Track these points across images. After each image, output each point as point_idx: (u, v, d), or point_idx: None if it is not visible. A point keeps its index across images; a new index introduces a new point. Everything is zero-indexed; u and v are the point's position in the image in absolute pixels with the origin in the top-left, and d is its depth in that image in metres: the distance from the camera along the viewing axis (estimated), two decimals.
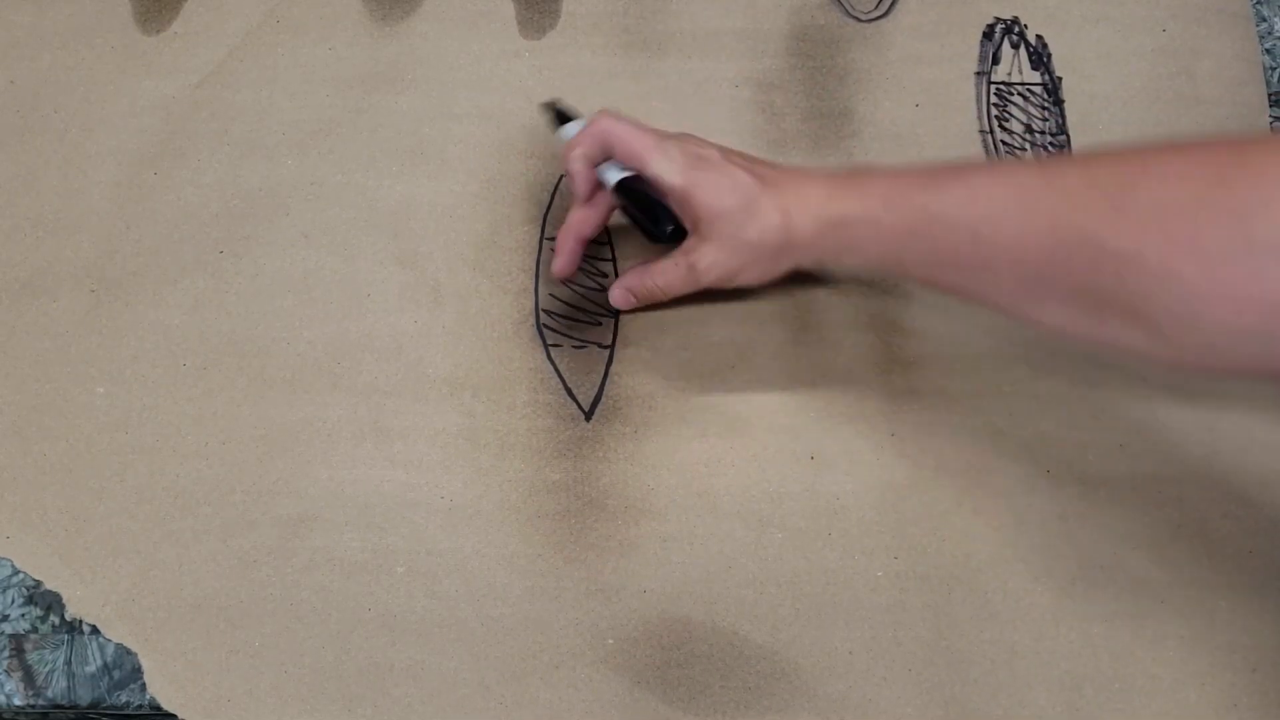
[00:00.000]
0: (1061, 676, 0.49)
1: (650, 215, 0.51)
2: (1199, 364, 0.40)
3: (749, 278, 0.52)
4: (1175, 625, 0.50)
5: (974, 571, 0.51)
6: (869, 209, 0.47)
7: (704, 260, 0.51)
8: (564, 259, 0.55)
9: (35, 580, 0.51)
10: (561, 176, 0.59)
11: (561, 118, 0.56)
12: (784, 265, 0.51)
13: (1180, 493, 0.52)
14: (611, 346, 0.55)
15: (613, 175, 0.52)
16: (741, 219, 0.49)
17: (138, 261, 0.57)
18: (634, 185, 0.52)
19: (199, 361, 0.55)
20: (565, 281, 0.57)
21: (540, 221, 0.58)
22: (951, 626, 0.50)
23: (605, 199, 0.54)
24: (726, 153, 0.51)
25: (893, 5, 0.65)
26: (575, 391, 0.54)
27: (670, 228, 0.51)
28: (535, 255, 0.58)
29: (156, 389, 0.54)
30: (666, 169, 0.50)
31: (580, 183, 0.53)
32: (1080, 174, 0.42)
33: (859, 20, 0.64)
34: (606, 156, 0.52)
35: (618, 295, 0.55)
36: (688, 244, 0.51)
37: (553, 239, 0.58)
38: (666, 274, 0.53)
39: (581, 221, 0.54)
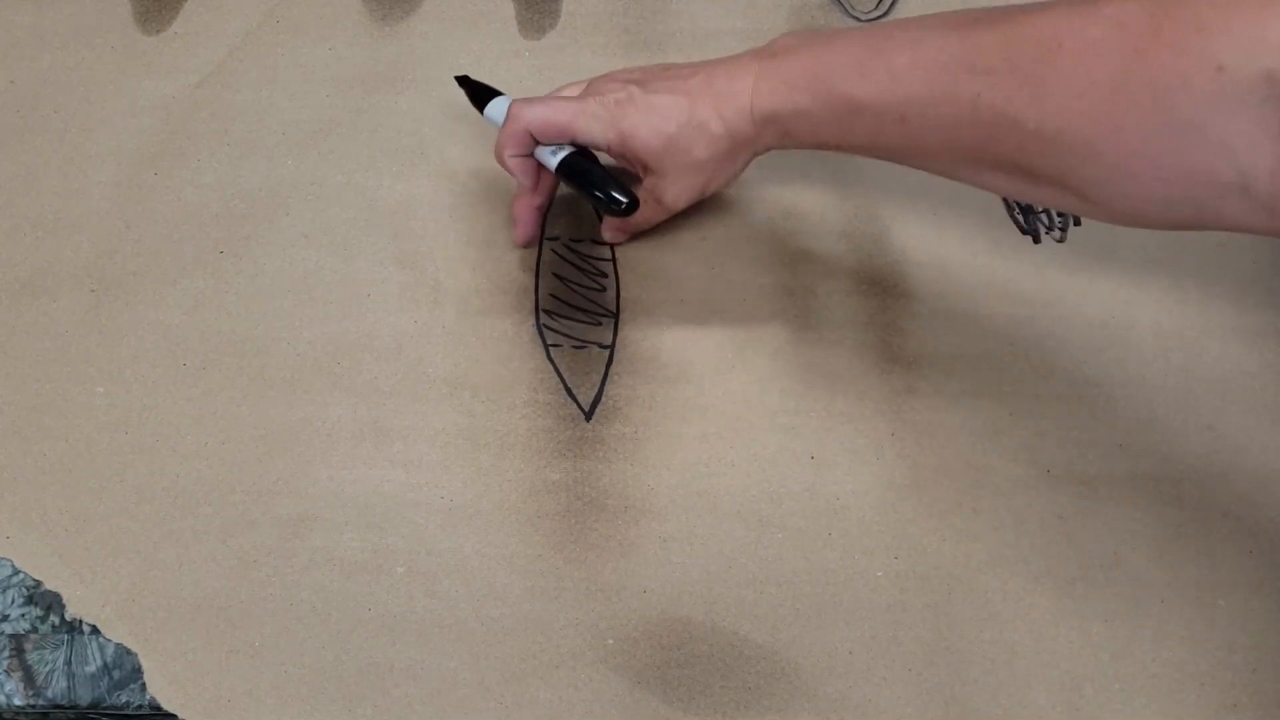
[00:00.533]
0: (1061, 676, 0.49)
1: (600, 191, 0.51)
2: (1132, 224, 0.41)
3: (716, 185, 0.53)
4: (1175, 625, 0.50)
5: (974, 571, 0.51)
6: (797, 102, 0.47)
7: (668, 193, 0.52)
8: (525, 229, 0.56)
9: (35, 580, 0.51)
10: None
11: (476, 91, 0.56)
12: (743, 161, 0.52)
13: (1180, 493, 0.52)
14: (611, 346, 0.55)
15: (551, 159, 0.52)
16: (685, 142, 0.49)
17: (138, 261, 0.57)
18: (575, 164, 0.52)
19: (199, 361, 0.55)
20: (565, 281, 0.57)
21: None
22: (951, 626, 0.50)
23: (551, 176, 0.54)
24: (648, 78, 0.51)
25: (893, 5, 0.65)
26: (575, 391, 0.54)
27: (625, 202, 0.51)
28: (535, 255, 0.58)
29: (156, 389, 0.54)
30: (594, 130, 0.50)
31: (522, 176, 0.54)
32: (999, 48, 0.41)
33: (859, 20, 0.64)
34: (536, 143, 0.53)
35: (608, 236, 0.57)
36: (648, 182, 0.52)
37: (554, 239, 0.58)
38: (642, 213, 0.53)
39: (534, 195, 0.55)
